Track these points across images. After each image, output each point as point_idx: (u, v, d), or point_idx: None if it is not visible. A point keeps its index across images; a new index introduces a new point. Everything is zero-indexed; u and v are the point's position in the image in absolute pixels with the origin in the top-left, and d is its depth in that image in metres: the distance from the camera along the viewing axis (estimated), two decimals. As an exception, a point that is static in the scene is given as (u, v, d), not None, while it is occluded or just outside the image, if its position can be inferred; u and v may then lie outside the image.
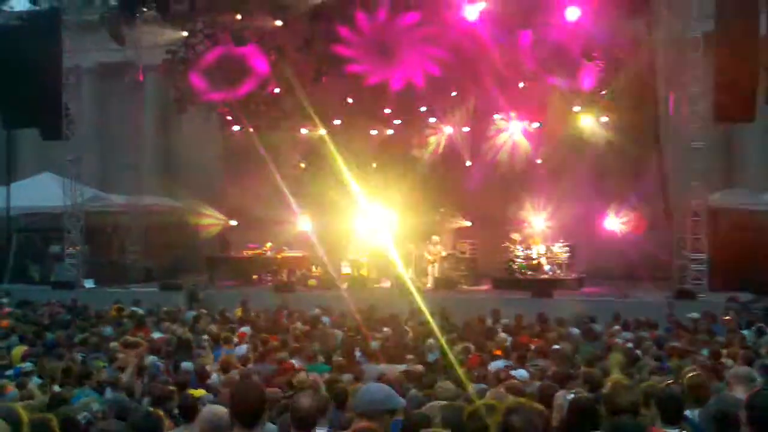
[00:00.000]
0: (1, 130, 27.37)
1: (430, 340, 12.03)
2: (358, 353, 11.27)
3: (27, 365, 9.80)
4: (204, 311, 16.30)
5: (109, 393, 8.53)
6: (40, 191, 24.10)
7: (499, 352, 10.96)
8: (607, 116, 22.41)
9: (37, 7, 23.33)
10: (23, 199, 24.01)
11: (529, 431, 3.80)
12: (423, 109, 23.44)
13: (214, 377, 9.85)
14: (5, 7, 24.82)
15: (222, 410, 4.86)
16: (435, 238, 22.22)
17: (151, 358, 10.92)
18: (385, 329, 13.15)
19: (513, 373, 8.77)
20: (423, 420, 4.75)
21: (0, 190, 25.40)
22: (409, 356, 10.74)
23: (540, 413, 4.08)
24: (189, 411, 6.54)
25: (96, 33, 24.61)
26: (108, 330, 14.10)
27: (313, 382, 8.40)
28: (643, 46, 21.87)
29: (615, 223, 22.73)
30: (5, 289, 20.90)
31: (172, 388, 8.19)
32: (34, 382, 9.13)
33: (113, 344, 12.00)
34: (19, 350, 11.58)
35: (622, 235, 22.77)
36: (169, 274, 23.26)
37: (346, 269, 22.45)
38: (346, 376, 8.97)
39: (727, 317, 14.79)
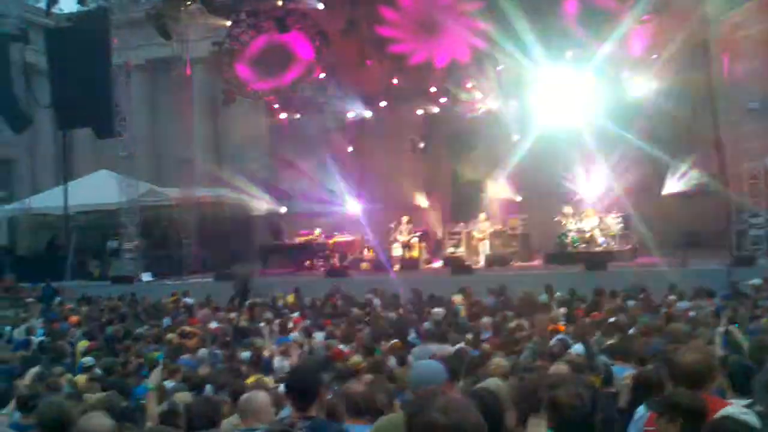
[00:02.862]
0: (57, 131, 28.12)
1: (484, 319, 11.94)
2: (412, 335, 11.28)
3: (88, 359, 10.03)
4: (258, 299, 16.47)
5: (169, 384, 8.68)
6: (96, 189, 24.63)
7: (560, 328, 10.82)
8: (659, 81, 21.86)
9: (85, 8, 23.69)
10: (80, 197, 24.57)
11: (575, 406, 3.70)
12: (469, 85, 23.15)
13: (276, 363, 9.98)
14: (54, 10, 25.25)
15: (261, 395, 4.95)
16: (482, 215, 22.06)
17: (206, 349, 11.11)
18: (437, 309, 13.09)
19: (570, 347, 8.67)
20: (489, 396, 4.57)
21: (58, 190, 26.06)
22: (464, 336, 10.65)
23: (588, 386, 3.98)
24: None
25: (143, 29, 24.99)
26: (167, 321, 14.37)
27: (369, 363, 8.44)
28: (695, 7, 21.26)
29: (670, 190, 22.25)
30: (65, 287, 21.43)
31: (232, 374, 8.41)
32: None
33: (170, 335, 12.27)
34: (83, 345, 11.91)
35: (677, 203, 22.31)
36: (224, 263, 23.59)
37: (397, 251, 22.42)
38: (391, 360, 8.98)
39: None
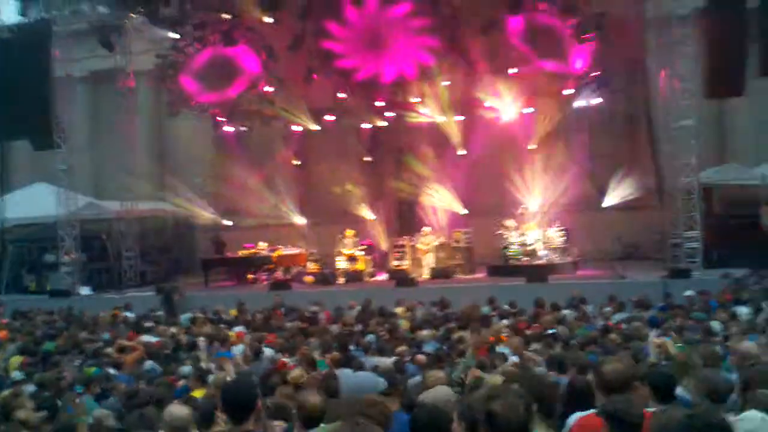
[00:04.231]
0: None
1: (424, 332, 12.02)
2: (353, 347, 11.26)
3: (17, 374, 9.76)
4: (199, 314, 16.28)
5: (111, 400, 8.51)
6: (33, 201, 24.05)
7: (503, 338, 10.94)
8: (599, 97, 22.40)
9: (27, 19, 23.24)
10: (17, 209, 24.03)
11: (511, 417, 3.75)
12: (414, 100, 23.34)
13: (211, 378, 9.84)
14: (-5, 21, 24.73)
15: (181, 411, 4.95)
16: (426, 228, 22.23)
17: (148, 362, 10.93)
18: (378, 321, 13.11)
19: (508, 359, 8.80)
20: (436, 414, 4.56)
21: (-6, 202, 25.46)
22: (402, 348, 10.70)
23: (524, 397, 4.04)
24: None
25: (86, 41, 24.63)
26: (105, 336, 14.09)
27: (310, 378, 8.41)
28: (634, 24, 21.87)
29: (610, 203, 22.77)
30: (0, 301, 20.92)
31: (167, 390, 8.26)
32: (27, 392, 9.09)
33: (109, 350, 12.02)
34: (16, 360, 11.58)
35: (617, 216, 22.83)
36: (166, 277, 23.26)
37: (341, 263, 22.42)
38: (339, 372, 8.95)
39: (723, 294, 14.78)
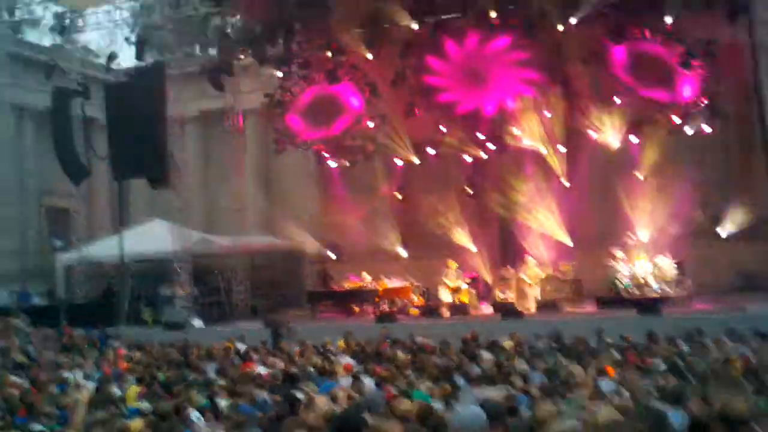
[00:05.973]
0: (112, 182, 28.88)
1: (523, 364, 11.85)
2: (461, 379, 11.16)
3: (145, 405, 10.12)
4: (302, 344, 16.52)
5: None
6: (150, 237, 25.10)
7: (609, 371, 10.65)
8: (710, 125, 21.65)
9: (143, 63, 24.49)
10: (135, 245, 25.05)
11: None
12: (517, 132, 23.17)
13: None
14: (113, 66, 26.21)
15: None
16: (531, 260, 21.88)
17: (259, 393, 11.14)
18: (486, 353, 12.96)
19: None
20: None
21: (113, 238, 26.68)
22: (513, 379, 10.52)
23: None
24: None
25: (197, 82, 25.72)
26: (213, 367, 14.44)
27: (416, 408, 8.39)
28: (745, 49, 21.12)
29: (726, 232, 21.87)
30: (118, 333, 21.78)
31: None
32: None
33: (221, 382, 12.34)
34: (134, 390, 12.04)
35: (733, 245, 21.88)
36: (274, 310, 23.73)
37: (446, 296, 22.33)
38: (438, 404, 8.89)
39: None
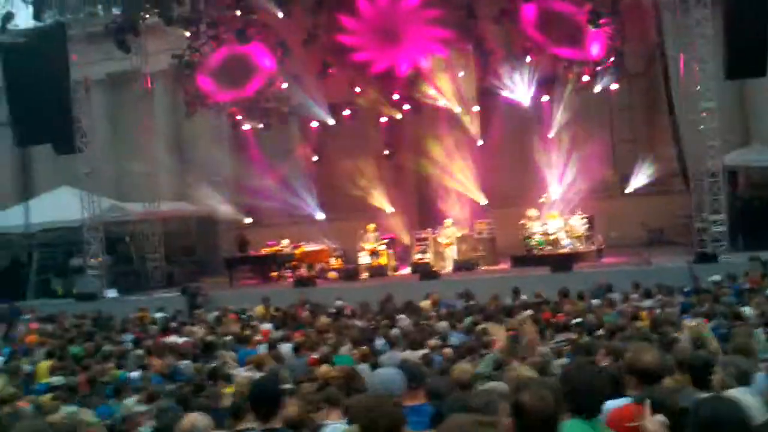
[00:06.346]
0: (15, 148, 27.69)
1: (442, 323, 12.09)
2: (381, 341, 11.27)
3: (56, 379, 9.86)
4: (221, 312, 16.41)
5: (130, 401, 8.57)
6: (58, 206, 24.26)
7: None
8: (617, 83, 22.20)
9: (42, 23, 23.38)
10: (42, 214, 24.18)
11: (540, 409, 3.71)
12: (432, 91, 23.22)
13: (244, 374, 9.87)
14: (10, 26, 24.87)
15: (201, 420, 4.95)
16: (448, 220, 22.13)
17: (178, 363, 11.01)
18: (403, 316, 13.12)
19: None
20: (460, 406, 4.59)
21: (18, 208, 25.67)
22: (432, 341, 10.67)
23: (554, 389, 4.00)
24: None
25: (101, 44, 24.75)
26: (129, 337, 14.18)
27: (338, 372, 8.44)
28: (649, 8, 21.65)
29: (633, 189, 22.60)
30: (29, 306, 21.10)
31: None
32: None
33: (138, 352, 12.13)
34: (45, 365, 11.70)
35: (641, 202, 22.65)
36: (191, 277, 23.37)
37: (364, 259, 22.41)
38: (362, 366, 8.96)
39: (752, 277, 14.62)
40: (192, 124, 26.42)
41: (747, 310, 10.74)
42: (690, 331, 7.73)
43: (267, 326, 14.39)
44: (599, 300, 13.74)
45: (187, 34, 23.55)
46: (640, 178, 22.50)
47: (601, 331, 10.21)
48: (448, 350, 9.87)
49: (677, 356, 6.11)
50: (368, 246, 22.41)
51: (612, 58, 21.42)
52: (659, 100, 22.92)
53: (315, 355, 10.20)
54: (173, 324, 15.55)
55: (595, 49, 21.29)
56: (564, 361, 8.12)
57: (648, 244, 22.60)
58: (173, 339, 13.45)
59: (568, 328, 10.76)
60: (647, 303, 12.87)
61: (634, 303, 13.02)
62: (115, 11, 24.51)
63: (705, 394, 4.69)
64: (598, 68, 21.69)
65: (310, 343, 11.40)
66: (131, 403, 8.28)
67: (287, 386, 6.90)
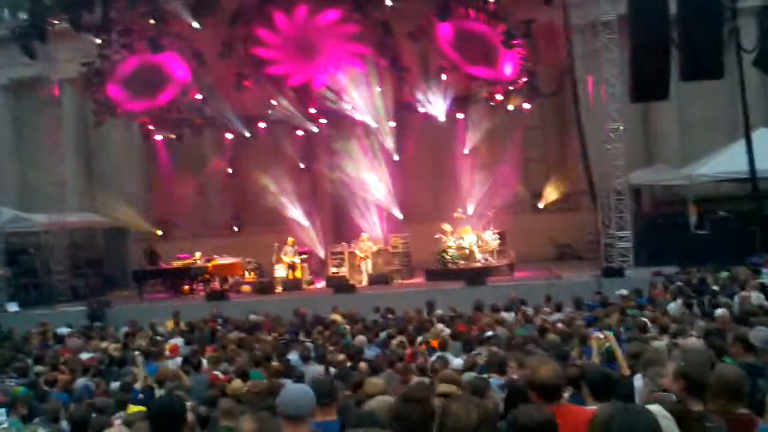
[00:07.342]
0: None
1: (360, 336, 12.03)
2: (294, 356, 11.14)
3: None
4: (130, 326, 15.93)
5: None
6: (-44, 216, 23.15)
7: (435, 344, 11.01)
8: (530, 103, 22.77)
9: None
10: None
11: (461, 422, 3.68)
12: (347, 106, 23.26)
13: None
14: None
15: None
16: (364, 234, 22.18)
17: (81, 380, 10.60)
18: (318, 329, 13.03)
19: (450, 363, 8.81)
20: (365, 419, 4.56)
21: None
22: (341, 357, 10.61)
23: (479, 405, 3.99)
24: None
25: (7, 48, 23.88)
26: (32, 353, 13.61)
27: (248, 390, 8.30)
28: (561, 31, 22.30)
29: (542, 206, 23.18)
30: None
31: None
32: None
33: (39, 368, 11.64)
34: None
35: (549, 218, 23.24)
36: (98, 291, 22.63)
37: (280, 272, 22.19)
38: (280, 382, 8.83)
39: (655, 291, 15.18)
40: (101, 133, 25.68)
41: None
42: (597, 342, 7.91)
43: (177, 341, 14.04)
44: (512, 313, 13.99)
45: (98, 41, 22.91)
46: (550, 195, 23.10)
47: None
48: (363, 365, 9.84)
49: (574, 370, 6.24)
50: (287, 259, 22.21)
51: (524, 79, 21.96)
52: (569, 120, 23.62)
53: (219, 372, 10.02)
54: (77, 339, 15.00)
55: (508, 70, 21.79)
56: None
57: (557, 258, 23.20)
58: (77, 354, 12.98)
59: (482, 341, 10.89)
60: (556, 316, 13.17)
61: (543, 316, 13.32)
62: (22, 15, 23.72)
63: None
64: (511, 88, 22.22)
65: (221, 358, 11.19)
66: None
67: (189, 404, 6.72)
